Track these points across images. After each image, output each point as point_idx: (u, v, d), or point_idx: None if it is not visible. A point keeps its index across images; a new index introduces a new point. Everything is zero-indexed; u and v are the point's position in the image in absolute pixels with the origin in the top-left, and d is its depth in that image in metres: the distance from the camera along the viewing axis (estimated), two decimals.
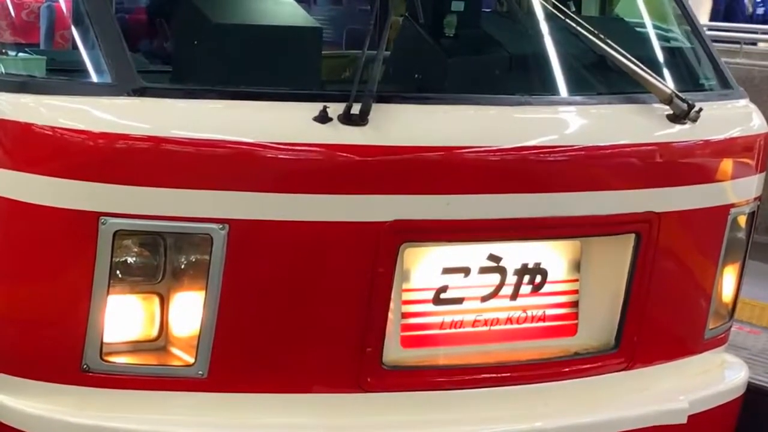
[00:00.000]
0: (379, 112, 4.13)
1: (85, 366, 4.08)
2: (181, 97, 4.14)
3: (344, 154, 4.10)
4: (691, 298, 4.90)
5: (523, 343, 4.56)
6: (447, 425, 4.34)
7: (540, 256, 4.53)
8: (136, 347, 4.16)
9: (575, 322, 4.65)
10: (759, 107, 5.14)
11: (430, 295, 4.40)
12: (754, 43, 14.76)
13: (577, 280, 4.64)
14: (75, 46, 4.51)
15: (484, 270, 4.44)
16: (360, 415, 4.26)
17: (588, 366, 4.64)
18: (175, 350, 4.16)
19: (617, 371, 4.70)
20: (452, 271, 4.41)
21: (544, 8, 4.78)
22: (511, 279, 4.48)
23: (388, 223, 4.17)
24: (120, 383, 4.12)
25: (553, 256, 4.57)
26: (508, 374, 4.49)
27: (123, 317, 4.10)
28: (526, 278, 4.51)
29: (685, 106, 4.63)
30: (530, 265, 4.51)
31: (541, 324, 4.59)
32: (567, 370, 4.60)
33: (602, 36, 4.63)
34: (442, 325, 4.44)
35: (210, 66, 4.36)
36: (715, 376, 5.02)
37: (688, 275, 4.86)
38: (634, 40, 5.08)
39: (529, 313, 4.56)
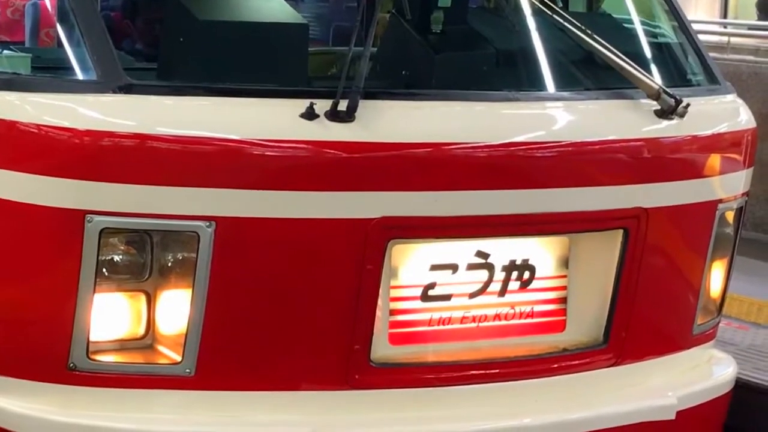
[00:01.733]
0: (366, 108, 4.12)
1: (71, 365, 4.07)
2: (167, 94, 4.13)
3: (331, 151, 4.09)
4: (680, 294, 4.90)
5: (511, 339, 4.56)
6: (435, 422, 4.34)
7: (528, 252, 4.52)
8: (123, 345, 4.14)
9: (563, 318, 4.65)
10: (746, 102, 5.14)
11: (418, 291, 4.39)
12: None
13: (565, 276, 4.63)
14: (60, 44, 4.49)
15: (472, 266, 4.43)
16: (348, 412, 4.25)
17: (576, 362, 4.64)
18: (162, 348, 4.14)
19: (606, 367, 4.70)
20: (440, 268, 4.40)
21: (531, 4, 4.78)
22: (499, 275, 4.47)
23: (375, 220, 4.16)
24: (107, 382, 4.10)
25: (541, 252, 4.57)
26: (497, 371, 4.48)
27: (109, 315, 4.08)
28: (514, 274, 4.50)
29: (672, 101, 4.63)
30: (518, 262, 4.51)
31: (529, 320, 4.58)
32: (555, 366, 4.60)
33: (589, 32, 4.62)
34: (430, 322, 4.43)
35: (196, 63, 4.34)
36: (703, 372, 5.02)
37: (677, 271, 4.86)
38: (622, 36, 5.08)
39: (518, 309, 4.55)
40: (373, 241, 4.18)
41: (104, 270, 4.04)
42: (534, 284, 4.55)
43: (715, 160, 4.84)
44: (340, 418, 4.24)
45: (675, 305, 4.91)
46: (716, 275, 5.02)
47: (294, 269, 4.15)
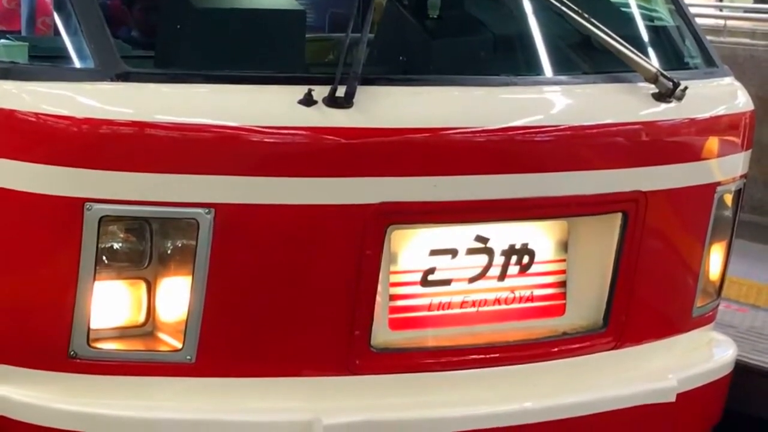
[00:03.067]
0: (364, 94, 4.12)
1: (72, 352, 4.07)
2: (165, 81, 4.12)
3: (330, 137, 4.09)
4: (679, 277, 4.91)
5: (511, 323, 4.56)
6: (436, 407, 4.34)
7: (527, 236, 4.53)
8: (124, 333, 4.15)
9: (563, 302, 4.65)
10: (743, 85, 5.14)
11: (418, 277, 4.40)
12: None
13: (564, 260, 4.64)
14: (57, 32, 4.49)
15: (471, 251, 4.43)
16: (349, 397, 4.26)
17: (576, 346, 4.64)
18: (162, 335, 4.15)
19: (606, 351, 4.70)
20: (440, 253, 4.41)
21: None
22: (499, 260, 4.48)
23: (374, 206, 4.16)
24: (108, 369, 4.11)
25: (541, 236, 4.57)
26: (497, 355, 4.49)
27: (110, 303, 4.09)
28: (514, 259, 4.51)
29: (670, 84, 4.63)
30: (517, 246, 4.51)
31: (529, 304, 4.58)
32: (555, 350, 4.60)
33: (587, 15, 4.62)
34: (430, 307, 4.43)
35: (194, 50, 4.34)
36: (703, 355, 5.03)
37: (676, 254, 4.86)
38: (619, 19, 5.08)
39: (517, 293, 4.55)
40: (372, 226, 4.18)
41: (104, 258, 4.04)
42: (533, 268, 4.56)
43: (713, 143, 4.84)
44: (341, 403, 4.24)
45: (674, 288, 4.92)
46: (715, 258, 5.02)
47: (293, 255, 4.15)
